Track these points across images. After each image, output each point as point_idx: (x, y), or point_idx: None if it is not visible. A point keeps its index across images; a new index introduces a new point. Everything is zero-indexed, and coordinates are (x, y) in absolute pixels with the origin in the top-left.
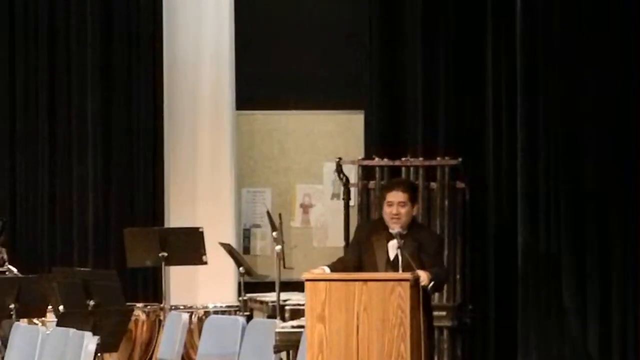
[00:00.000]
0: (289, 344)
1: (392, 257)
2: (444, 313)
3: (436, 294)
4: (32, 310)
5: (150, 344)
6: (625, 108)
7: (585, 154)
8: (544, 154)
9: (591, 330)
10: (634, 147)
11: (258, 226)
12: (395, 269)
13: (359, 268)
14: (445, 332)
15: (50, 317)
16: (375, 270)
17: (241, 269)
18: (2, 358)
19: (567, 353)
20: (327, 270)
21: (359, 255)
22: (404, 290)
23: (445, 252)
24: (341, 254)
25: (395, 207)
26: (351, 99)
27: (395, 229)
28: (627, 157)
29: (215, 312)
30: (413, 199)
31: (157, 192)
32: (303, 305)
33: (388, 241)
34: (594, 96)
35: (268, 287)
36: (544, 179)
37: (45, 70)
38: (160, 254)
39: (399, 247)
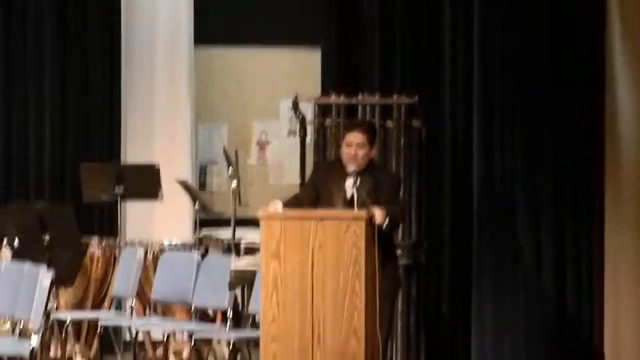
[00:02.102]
0: (243, 281)
1: (349, 196)
2: (399, 251)
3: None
4: None
5: (105, 280)
6: (583, 47)
7: (543, 94)
8: (500, 93)
9: (545, 269)
10: (592, 81)
11: (214, 163)
12: (352, 208)
13: (315, 206)
14: (400, 270)
15: (6, 251)
16: (332, 208)
17: (197, 205)
18: None
19: (521, 291)
20: (280, 205)
21: (315, 193)
22: (359, 228)
23: (401, 191)
24: (297, 191)
25: (354, 148)
26: (309, 36)
27: (351, 167)
28: (585, 94)
29: (171, 249)
30: (372, 141)
31: (114, 128)
32: (258, 242)
33: (345, 180)
34: (552, 36)
35: (223, 224)
36: (500, 118)
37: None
38: (116, 190)
39: (354, 185)
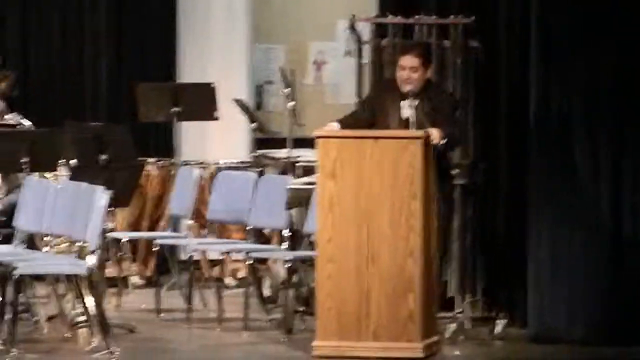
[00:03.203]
0: (300, 200)
1: (405, 117)
2: (455, 172)
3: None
4: (44, 165)
5: (161, 199)
6: None
7: (602, 17)
8: (558, 12)
9: (603, 190)
10: None
11: (271, 82)
12: (408, 129)
13: (371, 126)
14: (456, 191)
15: (62, 171)
16: (388, 129)
17: (253, 125)
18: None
19: (578, 212)
20: (337, 126)
21: (371, 112)
22: (416, 147)
23: (458, 112)
24: (353, 111)
25: (407, 71)
26: None
27: (407, 88)
28: None
29: (227, 168)
30: (426, 63)
31: (170, 47)
32: (314, 162)
33: (402, 101)
34: None
35: (280, 143)
36: (558, 38)
37: None
38: (172, 109)
39: (411, 106)
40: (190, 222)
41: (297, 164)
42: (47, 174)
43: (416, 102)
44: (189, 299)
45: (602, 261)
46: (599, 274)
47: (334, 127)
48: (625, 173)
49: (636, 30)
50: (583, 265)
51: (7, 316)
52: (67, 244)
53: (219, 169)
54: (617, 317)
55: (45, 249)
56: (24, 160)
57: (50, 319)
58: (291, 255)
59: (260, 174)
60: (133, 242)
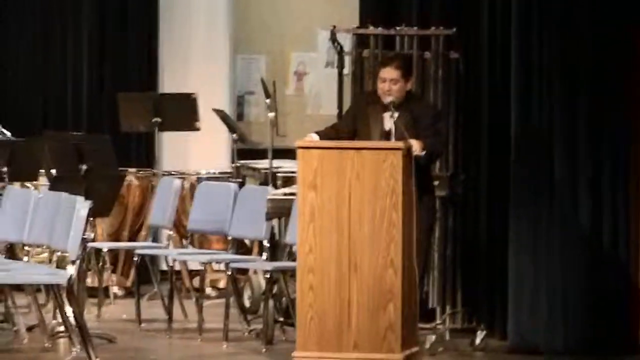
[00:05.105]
0: (280, 211)
1: (387, 128)
2: (436, 183)
3: None
4: (25, 174)
5: (142, 210)
6: None
7: (581, 26)
8: (538, 23)
9: (582, 203)
10: (631, 20)
11: (252, 93)
12: (390, 140)
13: (353, 138)
14: (437, 202)
15: (43, 181)
16: (369, 140)
17: (234, 135)
18: None
19: (558, 224)
20: (316, 137)
21: (353, 124)
22: (397, 158)
23: (441, 122)
24: (334, 121)
25: (387, 84)
26: None
27: (388, 99)
28: (622, 30)
29: (208, 179)
30: (406, 75)
31: (152, 58)
32: (295, 172)
33: (383, 112)
34: None
35: (261, 154)
36: (538, 49)
37: None
38: (153, 120)
39: (392, 117)
40: (171, 232)
41: (278, 175)
42: (27, 184)
43: (397, 114)
44: (169, 310)
45: (582, 272)
46: (579, 285)
47: (313, 138)
48: (604, 185)
49: (614, 40)
50: (563, 276)
51: None
52: (47, 253)
53: (200, 180)
54: (597, 328)
55: (25, 258)
56: (4, 169)
57: (30, 328)
58: (271, 265)
59: (241, 184)
60: (113, 252)
